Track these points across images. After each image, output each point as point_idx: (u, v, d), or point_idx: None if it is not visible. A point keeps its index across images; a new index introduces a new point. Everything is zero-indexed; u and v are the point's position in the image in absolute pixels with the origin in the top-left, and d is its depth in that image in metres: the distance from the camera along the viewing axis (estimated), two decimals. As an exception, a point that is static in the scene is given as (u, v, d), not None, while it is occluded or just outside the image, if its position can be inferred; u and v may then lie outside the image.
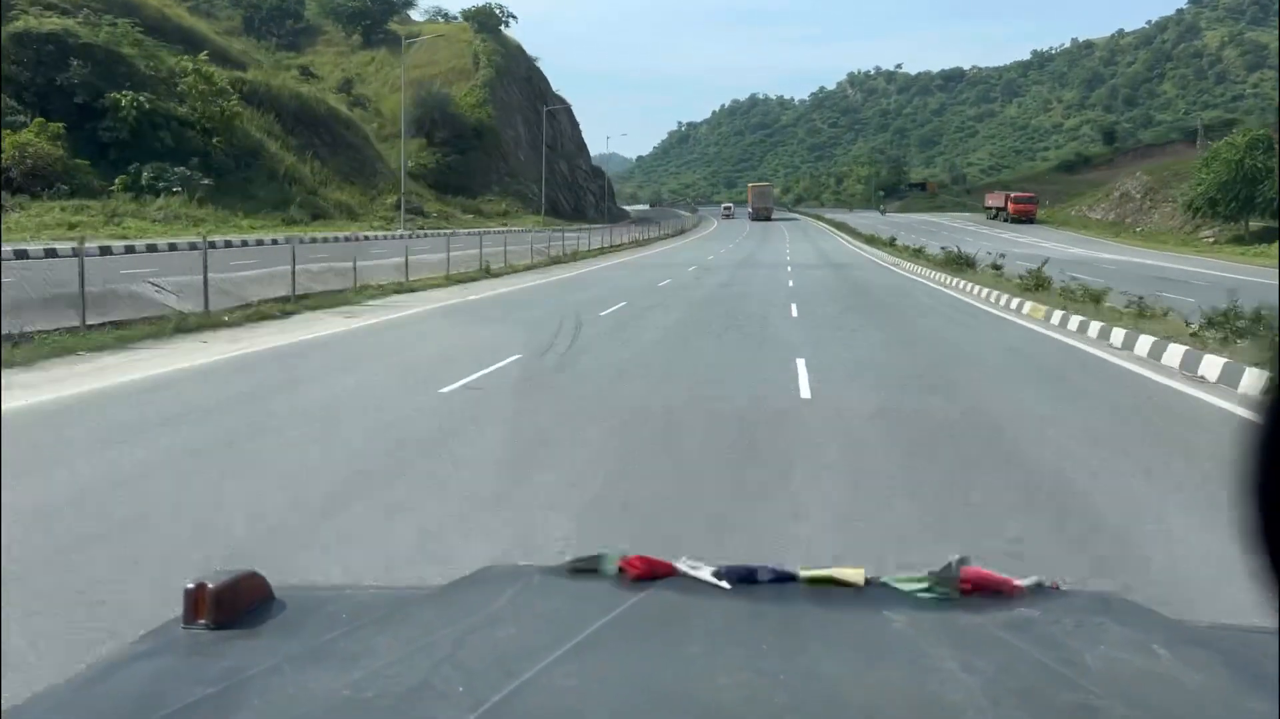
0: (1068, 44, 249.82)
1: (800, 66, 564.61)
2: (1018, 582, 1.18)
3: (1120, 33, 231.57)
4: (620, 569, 1.20)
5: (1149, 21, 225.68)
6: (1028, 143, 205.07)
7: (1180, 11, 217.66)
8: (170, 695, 0.88)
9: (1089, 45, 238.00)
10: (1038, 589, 1.18)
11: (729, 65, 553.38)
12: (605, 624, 1.03)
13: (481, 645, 1.00)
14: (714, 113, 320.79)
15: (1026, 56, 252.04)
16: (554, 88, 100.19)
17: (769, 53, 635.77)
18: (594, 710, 0.86)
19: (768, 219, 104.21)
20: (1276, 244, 44.84)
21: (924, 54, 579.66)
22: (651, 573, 1.18)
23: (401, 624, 1.08)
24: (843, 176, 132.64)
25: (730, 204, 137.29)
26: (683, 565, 1.19)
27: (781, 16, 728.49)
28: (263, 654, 0.97)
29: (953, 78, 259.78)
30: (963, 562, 1.17)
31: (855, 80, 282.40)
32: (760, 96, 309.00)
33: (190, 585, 1.07)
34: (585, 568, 1.22)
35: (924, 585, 1.15)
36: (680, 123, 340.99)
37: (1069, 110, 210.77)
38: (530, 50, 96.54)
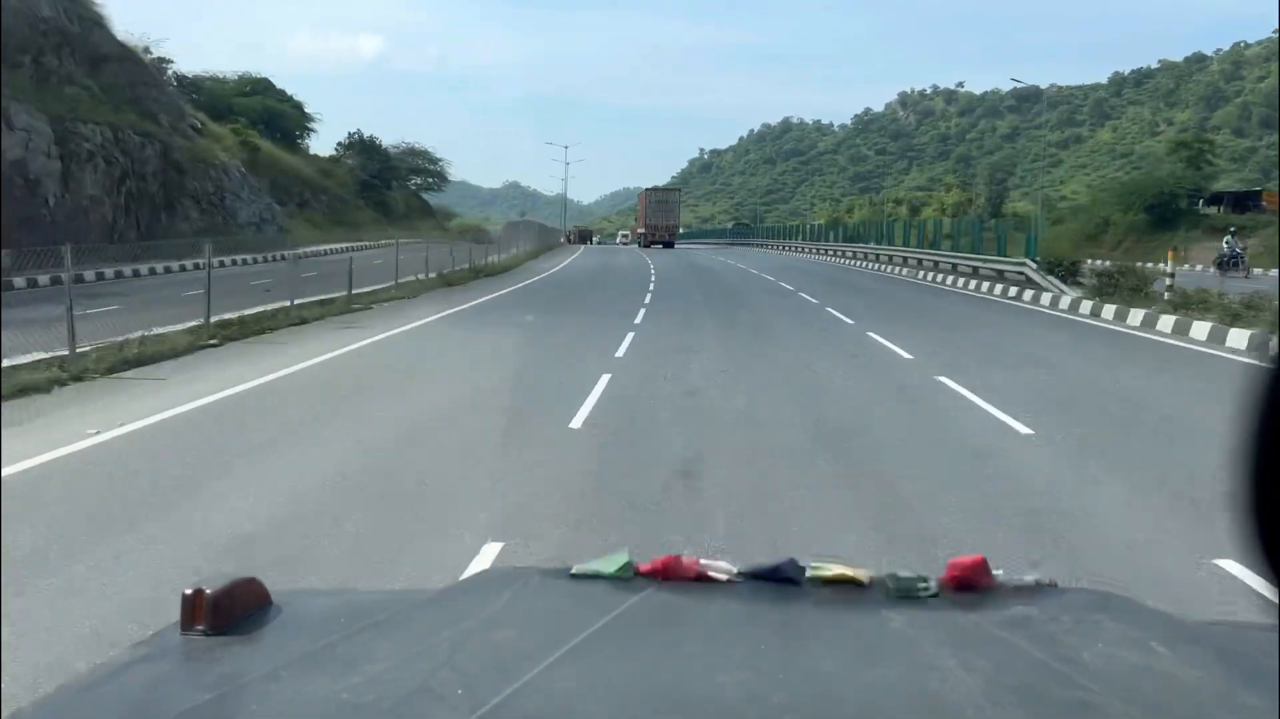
0: (1155, 65, 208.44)
1: (836, 106, 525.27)
2: (1014, 579, 1.16)
3: (1243, 44, 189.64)
4: (622, 571, 1.18)
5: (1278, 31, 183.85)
6: (1136, 172, 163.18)
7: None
8: (167, 701, 0.87)
9: (1200, 58, 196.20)
10: (1035, 587, 1.16)
11: (759, 103, 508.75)
12: (604, 625, 1.01)
13: (480, 648, 0.99)
14: (741, 139, 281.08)
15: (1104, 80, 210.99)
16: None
17: (800, 91, 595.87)
18: (592, 711, 0.85)
19: (669, 245, 62.77)
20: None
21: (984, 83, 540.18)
22: (653, 573, 1.16)
23: (399, 628, 1.06)
24: (920, 204, 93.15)
25: (627, 232, 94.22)
26: (687, 563, 1.17)
27: (813, 59, 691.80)
28: (260, 659, 0.96)
29: (1027, 97, 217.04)
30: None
31: (907, 101, 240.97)
32: (795, 121, 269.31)
33: (188, 591, 1.05)
34: (586, 573, 1.18)
35: (922, 583, 1.13)
36: (702, 150, 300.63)
37: (1184, 133, 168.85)
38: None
